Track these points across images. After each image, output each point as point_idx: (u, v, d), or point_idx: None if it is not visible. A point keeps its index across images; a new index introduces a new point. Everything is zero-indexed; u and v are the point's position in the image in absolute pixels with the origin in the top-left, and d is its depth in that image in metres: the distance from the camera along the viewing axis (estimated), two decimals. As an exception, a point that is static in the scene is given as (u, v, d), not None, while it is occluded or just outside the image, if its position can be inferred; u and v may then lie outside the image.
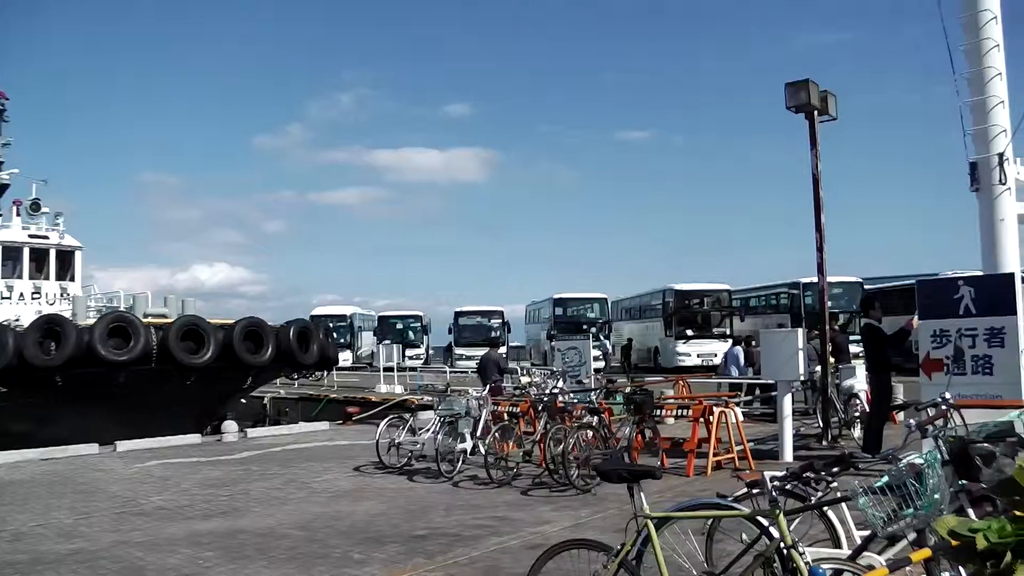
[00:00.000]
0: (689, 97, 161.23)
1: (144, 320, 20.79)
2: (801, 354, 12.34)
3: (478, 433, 12.59)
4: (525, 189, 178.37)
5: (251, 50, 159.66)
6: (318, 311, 50.26)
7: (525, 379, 19.51)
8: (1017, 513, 1.97)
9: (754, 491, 4.87)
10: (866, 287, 35.53)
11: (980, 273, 12.13)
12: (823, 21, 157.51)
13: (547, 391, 14.21)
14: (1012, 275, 10.35)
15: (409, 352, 41.94)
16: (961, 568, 3.13)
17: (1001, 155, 11.67)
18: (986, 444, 4.78)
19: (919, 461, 4.50)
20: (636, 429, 12.38)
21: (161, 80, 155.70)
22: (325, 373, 29.15)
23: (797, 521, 5.28)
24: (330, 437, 18.86)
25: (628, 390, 15.28)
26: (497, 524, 9.19)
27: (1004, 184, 11.71)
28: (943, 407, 6.68)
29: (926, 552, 4.03)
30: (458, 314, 47.94)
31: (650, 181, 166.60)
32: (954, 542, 1.97)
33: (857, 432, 13.95)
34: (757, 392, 18.20)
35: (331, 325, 40.57)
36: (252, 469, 14.04)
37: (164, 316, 23.07)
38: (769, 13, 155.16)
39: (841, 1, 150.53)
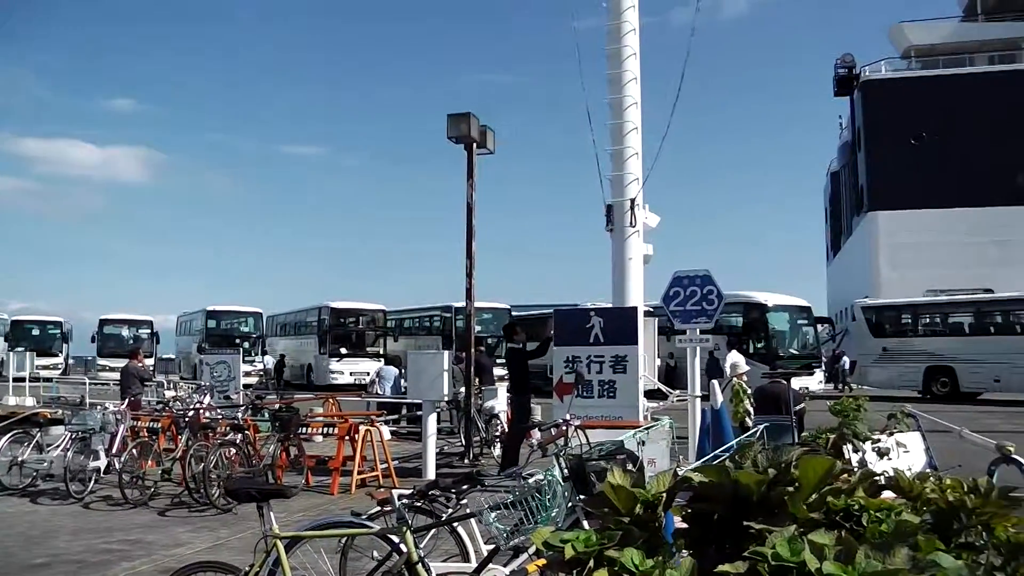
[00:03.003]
0: (361, 119, 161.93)
1: None
2: (446, 375, 12.79)
3: (113, 450, 11.82)
4: (191, 195, 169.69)
5: None
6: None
7: (170, 393, 18.59)
8: (583, 523, 2.23)
9: (386, 508, 5.00)
10: (514, 314, 37.63)
11: (610, 305, 13.27)
12: (493, 62, 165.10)
13: (192, 406, 13.67)
14: (635, 308, 11.46)
15: (45, 361, 38.51)
16: None
17: (633, 201, 12.86)
18: (600, 461, 5.24)
19: (540, 478, 4.87)
20: (281, 447, 12.23)
21: None
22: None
23: (429, 537, 5.50)
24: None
25: (276, 407, 15.05)
26: (129, 548, 8.66)
27: (634, 227, 12.90)
28: (564, 427, 7.26)
29: (542, 562, 4.34)
30: (103, 322, 45.10)
31: (319, 198, 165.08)
32: (547, 552, 2.18)
33: (497, 451, 14.67)
34: (404, 411, 18.61)
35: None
36: None
37: None
38: (442, 50, 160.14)
39: (512, 46, 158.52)
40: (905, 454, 7.77)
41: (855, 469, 6.47)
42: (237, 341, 40.36)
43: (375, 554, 5.13)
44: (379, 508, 5.16)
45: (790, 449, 2.34)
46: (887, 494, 3.00)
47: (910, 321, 33.54)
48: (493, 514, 4.88)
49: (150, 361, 34.81)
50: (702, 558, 2.07)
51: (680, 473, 2.34)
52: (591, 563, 2.04)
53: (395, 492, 4.80)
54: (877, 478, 3.05)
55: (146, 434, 12.93)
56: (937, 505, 2.86)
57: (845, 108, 58.83)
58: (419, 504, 5.03)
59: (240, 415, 14.32)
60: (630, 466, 6.06)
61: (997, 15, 53.92)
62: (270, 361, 39.79)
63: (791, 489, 2.16)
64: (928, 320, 33.56)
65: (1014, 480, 6.09)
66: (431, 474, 12.61)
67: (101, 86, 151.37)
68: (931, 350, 31.68)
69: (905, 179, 47.40)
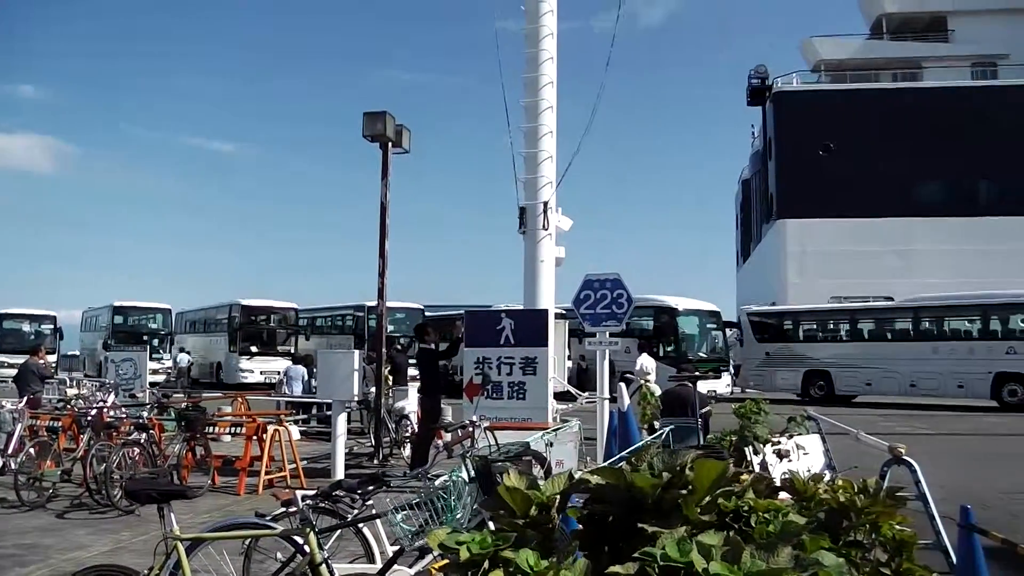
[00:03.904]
0: (277, 114, 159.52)
1: None
2: (356, 375, 12.69)
3: (9, 450, 11.45)
4: (102, 187, 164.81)
5: None
6: None
7: (72, 391, 18.04)
8: (491, 524, 2.25)
9: (290, 509, 4.96)
10: (428, 314, 37.54)
11: (522, 307, 13.34)
12: (412, 60, 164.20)
13: (95, 404, 13.30)
14: (546, 311, 11.53)
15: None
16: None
17: (546, 204, 12.96)
18: (506, 462, 5.28)
19: (446, 479, 4.88)
20: (187, 447, 11.99)
21: None
22: None
23: (334, 538, 5.46)
24: None
25: (183, 406, 14.76)
26: (23, 552, 8.37)
27: (546, 230, 13.01)
28: (470, 428, 7.29)
29: (445, 562, 4.35)
30: (1, 316, 43.47)
31: (233, 195, 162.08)
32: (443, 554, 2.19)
33: (407, 451, 14.62)
34: (314, 411, 18.42)
35: None
36: None
37: None
38: (362, 46, 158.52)
39: (432, 45, 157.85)
40: (805, 456, 7.99)
41: (755, 471, 6.66)
42: (145, 338, 39.43)
43: (279, 555, 5.08)
44: (283, 509, 5.10)
45: (685, 452, 2.39)
46: (784, 495, 3.10)
47: (791, 328, 34.83)
48: (400, 515, 4.87)
49: (52, 358, 33.68)
50: (597, 559, 2.11)
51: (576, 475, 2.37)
52: (486, 564, 2.06)
53: (299, 493, 4.76)
54: (770, 480, 3.14)
55: (45, 433, 12.50)
56: (829, 505, 2.96)
57: (758, 118, 60.21)
58: (323, 505, 4.99)
59: (145, 414, 14.03)
60: (538, 467, 6.15)
61: (900, 35, 55.96)
62: (184, 359, 38.79)
63: (684, 492, 2.21)
64: (807, 327, 34.89)
65: (905, 481, 6.32)
66: (340, 474, 12.49)
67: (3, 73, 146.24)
68: (809, 355, 33.20)
69: (813, 189, 48.77)
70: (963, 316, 31.00)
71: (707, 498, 2.24)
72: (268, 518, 5.10)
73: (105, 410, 12.89)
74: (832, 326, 34.50)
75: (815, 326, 34.81)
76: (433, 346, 13.67)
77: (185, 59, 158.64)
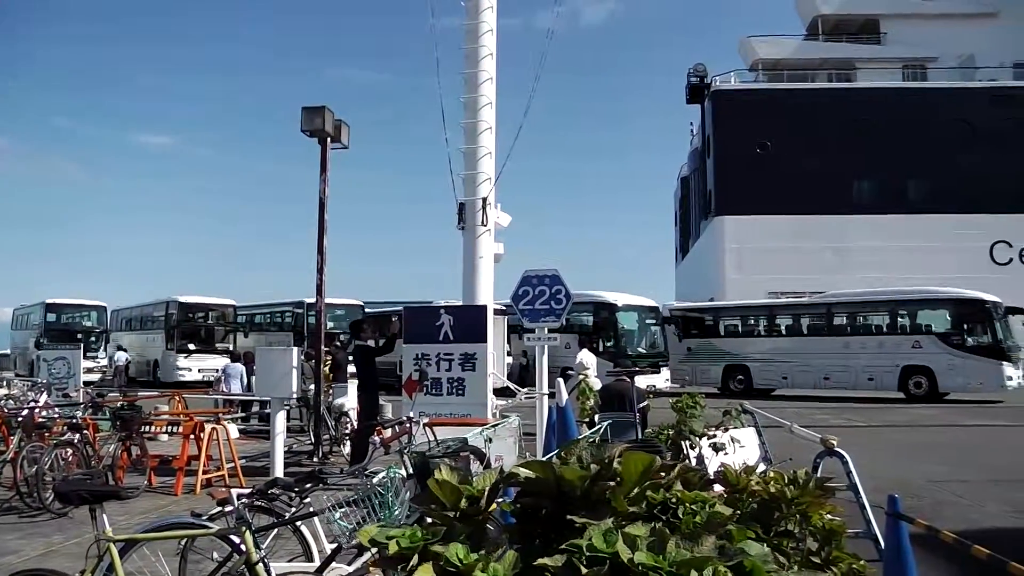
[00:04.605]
0: (215, 109, 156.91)
1: None
2: (295, 372, 12.56)
3: (-67, 453, 11.13)
4: (32, 181, 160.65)
5: None
6: None
7: (2, 391, 17.64)
8: (428, 519, 2.27)
9: (226, 508, 4.91)
10: (368, 310, 37.34)
11: (461, 303, 13.36)
12: (353, 57, 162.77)
13: (26, 405, 13.01)
14: (485, 307, 11.57)
15: None
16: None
17: (485, 200, 12.98)
18: (444, 458, 5.30)
19: (384, 476, 4.88)
20: (122, 446, 11.78)
21: None
22: None
23: (272, 537, 5.43)
24: None
25: (118, 405, 14.50)
26: (-52, 557, 8.19)
27: (485, 226, 13.03)
28: (407, 425, 7.29)
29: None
30: (-76, 315, 42.12)
31: (171, 189, 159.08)
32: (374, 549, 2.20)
33: (347, 449, 14.54)
34: (254, 409, 18.23)
35: None
36: None
37: None
38: (305, 43, 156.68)
39: (374, 44, 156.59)
40: (741, 449, 8.13)
41: (691, 464, 6.76)
42: (79, 336, 38.63)
43: (215, 555, 5.03)
44: (219, 508, 5.06)
45: (615, 445, 2.44)
46: (718, 488, 3.16)
47: (711, 324, 35.86)
48: (338, 513, 4.86)
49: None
50: (528, 552, 2.13)
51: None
52: (415, 559, 2.08)
53: (234, 491, 4.72)
54: (703, 472, 3.20)
55: (-27, 436, 12.23)
56: (761, 497, 3.03)
57: (697, 116, 60.94)
58: (260, 503, 4.96)
59: (79, 414, 13.76)
60: (477, 463, 6.17)
61: (835, 36, 57.15)
62: (122, 358, 37.92)
63: (613, 484, 2.24)
64: (726, 323, 35.93)
65: (837, 471, 6.49)
66: (279, 473, 12.35)
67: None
68: (728, 350, 34.25)
69: (751, 186, 49.57)
70: (872, 312, 32.35)
71: (635, 490, 2.28)
72: (204, 518, 5.04)
73: (37, 410, 12.61)
74: (751, 322, 35.53)
75: (734, 322, 35.87)
76: (371, 342, 13.62)
77: (129, 55, 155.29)
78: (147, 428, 12.52)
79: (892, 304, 31.06)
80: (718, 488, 3.10)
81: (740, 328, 35.37)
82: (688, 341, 35.01)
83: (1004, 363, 28.29)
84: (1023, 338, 30.15)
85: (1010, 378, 28.43)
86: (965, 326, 29.49)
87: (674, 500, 2.41)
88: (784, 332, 33.97)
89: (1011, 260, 49.60)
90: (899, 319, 30.89)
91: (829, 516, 2.99)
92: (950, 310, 30.11)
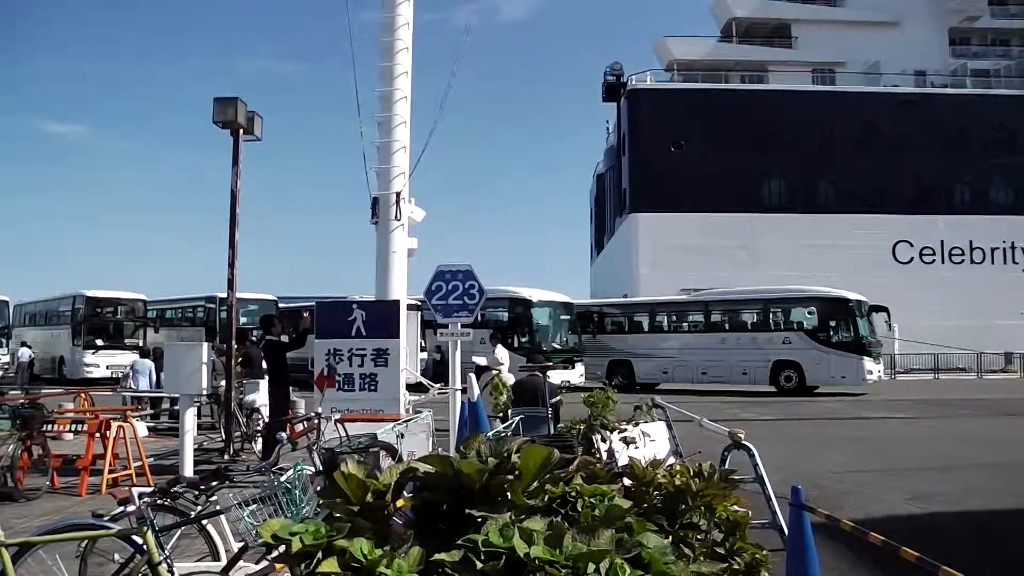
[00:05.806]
0: (125, 96, 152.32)
1: None
2: (205, 368, 12.29)
3: None
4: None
5: None
6: None
7: None
8: (336, 515, 2.28)
9: (128, 508, 4.80)
10: (281, 305, 36.90)
11: (374, 298, 13.26)
12: (271, 49, 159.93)
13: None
14: (397, 302, 11.49)
15: None
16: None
17: (399, 194, 12.88)
18: (354, 454, 5.28)
19: (291, 473, 4.85)
20: (23, 446, 11.41)
21: None
22: None
23: (176, 536, 5.33)
24: None
25: (19, 403, 14.03)
26: None
27: (399, 220, 12.92)
28: (316, 421, 7.24)
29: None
30: None
31: (78, 181, 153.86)
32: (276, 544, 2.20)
33: (259, 445, 14.34)
34: (164, 406, 17.85)
35: None
36: None
37: None
38: (220, 31, 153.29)
39: (288, 35, 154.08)
40: (651, 443, 8.25)
41: (603, 458, 6.86)
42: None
43: (117, 557, 4.92)
44: (121, 509, 4.94)
45: (512, 439, 2.47)
46: (626, 481, 3.23)
47: (597, 320, 36.73)
48: (246, 511, 4.80)
49: None
50: (430, 547, 2.15)
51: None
52: (320, 555, 2.08)
53: (136, 491, 4.62)
54: (609, 466, 3.27)
55: None
56: (666, 490, 3.10)
57: (613, 114, 61.56)
58: (163, 502, 4.86)
59: (-25, 413, 13.27)
60: (389, 459, 6.16)
61: (749, 39, 58.44)
62: (25, 354, 36.50)
63: (511, 478, 2.28)
64: (611, 319, 36.98)
65: (744, 464, 6.65)
66: (189, 471, 12.10)
67: None
68: (612, 346, 35.33)
69: (665, 184, 50.39)
70: (746, 310, 33.67)
71: (534, 484, 2.32)
72: (106, 518, 4.91)
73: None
74: (633, 319, 36.55)
75: (619, 319, 36.89)
76: (282, 338, 13.47)
77: (30, 36, 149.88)
78: (50, 427, 12.13)
79: (764, 302, 32.51)
80: (627, 482, 3.17)
81: (625, 325, 36.37)
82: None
83: (865, 358, 29.83)
84: (890, 335, 31.65)
85: (870, 372, 30.08)
86: (831, 323, 30.95)
87: (573, 494, 2.47)
88: (665, 329, 35.18)
89: (912, 259, 51.53)
90: (771, 316, 32.37)
91: (734, 508, 3.08)
92: (817, 308, 31.50)
